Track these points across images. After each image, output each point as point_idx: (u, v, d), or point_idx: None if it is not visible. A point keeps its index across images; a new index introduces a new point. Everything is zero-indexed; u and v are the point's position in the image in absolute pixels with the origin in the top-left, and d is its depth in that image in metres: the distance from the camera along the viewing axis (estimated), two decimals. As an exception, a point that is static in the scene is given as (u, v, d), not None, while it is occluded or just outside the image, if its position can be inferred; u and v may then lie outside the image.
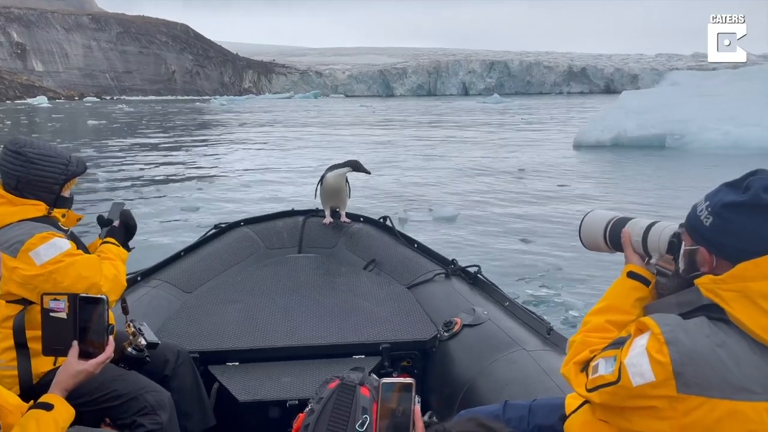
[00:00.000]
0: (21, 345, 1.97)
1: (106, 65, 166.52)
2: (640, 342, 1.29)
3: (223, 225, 4.10)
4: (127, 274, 2.34)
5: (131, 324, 2.21)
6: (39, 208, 2.09)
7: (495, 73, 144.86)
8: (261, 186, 12.61)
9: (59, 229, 2.12)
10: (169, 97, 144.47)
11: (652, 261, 1.51)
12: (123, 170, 15.24)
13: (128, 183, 13.16)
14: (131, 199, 10.69)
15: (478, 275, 3.31)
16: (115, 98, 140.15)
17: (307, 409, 1.86)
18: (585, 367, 1.44)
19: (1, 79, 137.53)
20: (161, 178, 14.10)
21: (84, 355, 1.62)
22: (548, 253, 7.08)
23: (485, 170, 14.41)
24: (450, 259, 3.52)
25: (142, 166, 16.09)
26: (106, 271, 2.11)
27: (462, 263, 3.44)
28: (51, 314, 1.61)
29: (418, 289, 3.29)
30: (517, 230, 8.40)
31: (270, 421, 2.38)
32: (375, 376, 1.95)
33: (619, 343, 1.36)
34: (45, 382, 1.82)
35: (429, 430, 1.28)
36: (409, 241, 3.83)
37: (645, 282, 1.50)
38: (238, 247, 3.83)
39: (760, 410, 1.21)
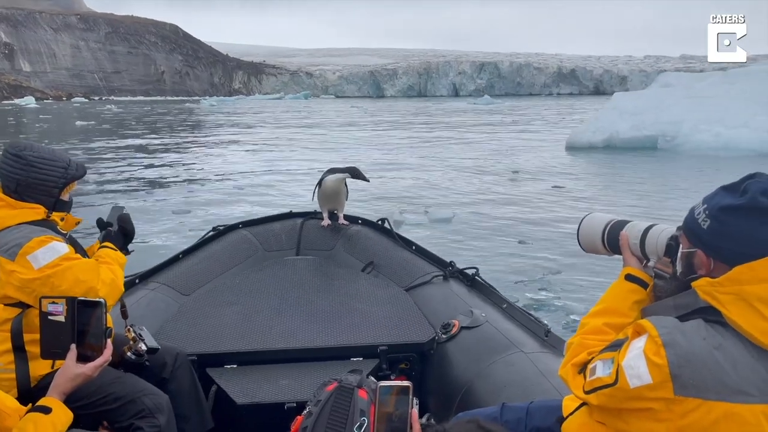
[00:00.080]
0: (19, 348, 1.96)
1: (95, 65, 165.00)
2: (638, 344, 1.29)
3: (220, 227, 4.07)
4: (124, 277, 2.33)
5: (131, 329, 2.21)
6: (38, 212, 2.08)
7: (485, 75, 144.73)
8: (252, 188, 12.53)
9: (58, 232, 2.12)
10: (159, 98, 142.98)
11: (650, 264, 1.52)
12: (112, 171, 15.11)
13: (117, 185, 13.06)
14: (118, 201, 10.61)
15: (476, 277, 3.31)
16: (103, 99, 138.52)
17: (305, 411, 1.87)
18: (583, 369, 1.45)
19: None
20: (151, 179, 13.99)
21: (82, 358, 1.62)
22: (546, 257, 7.03)
23: (479, 172, 14.41)
24: (448, 261, 3.52)
25: (132, 168, 15.94)
26: (103, 275, 2.11)
27: (460, 265, 3.44)
28: (49, 317, 1.61)
29: (416, 291, 3.29)
30: (513, 232, 8.37)
31: (268, 423, 2.36)
32: (373, 378, 1.96)
33: (616, 346, 1.37)
34: (43, 386, 1.81)
35: (427, 432, 1.29)
36: (407, 243, 3.83)
37: (643, 285, 1.51)
38: (236, 249, 3.82)
39: (757, 413, 1.21)
